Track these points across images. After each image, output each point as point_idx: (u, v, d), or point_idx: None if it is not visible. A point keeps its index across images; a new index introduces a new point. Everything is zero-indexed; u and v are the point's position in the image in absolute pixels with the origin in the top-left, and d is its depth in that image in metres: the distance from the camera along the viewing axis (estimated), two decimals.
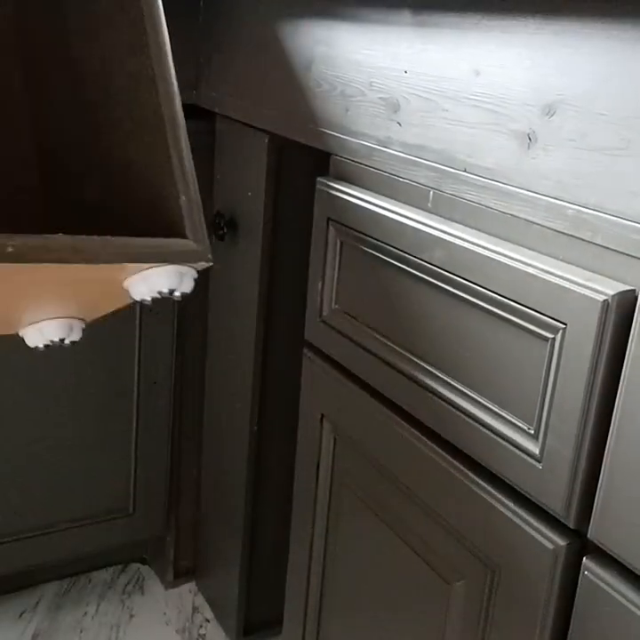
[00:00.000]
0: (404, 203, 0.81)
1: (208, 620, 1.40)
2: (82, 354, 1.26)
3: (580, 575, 0.64)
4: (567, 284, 0.62)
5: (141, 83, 0.49)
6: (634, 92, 0.58)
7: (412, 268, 0.78)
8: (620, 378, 0.59)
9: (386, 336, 0.84)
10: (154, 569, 1.51)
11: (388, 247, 0.81)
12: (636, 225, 0.59)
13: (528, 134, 0.67)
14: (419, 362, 0.79)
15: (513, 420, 0.69)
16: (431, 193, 0.78)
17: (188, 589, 1.47)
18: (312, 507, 0.99)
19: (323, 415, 0.96)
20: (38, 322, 0.57)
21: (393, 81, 0.81)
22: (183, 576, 1.48)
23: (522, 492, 0.69)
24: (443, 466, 0.77)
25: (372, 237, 0.83)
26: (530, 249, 0.68)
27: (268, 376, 1.19)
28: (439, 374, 0.76)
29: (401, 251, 0.79)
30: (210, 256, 0.53)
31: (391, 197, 0.83)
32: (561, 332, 0.63)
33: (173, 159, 0.50)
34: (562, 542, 0.65)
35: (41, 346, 0.59)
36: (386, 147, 0.83)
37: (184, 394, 1.36)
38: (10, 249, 0.42)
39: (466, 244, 0.71)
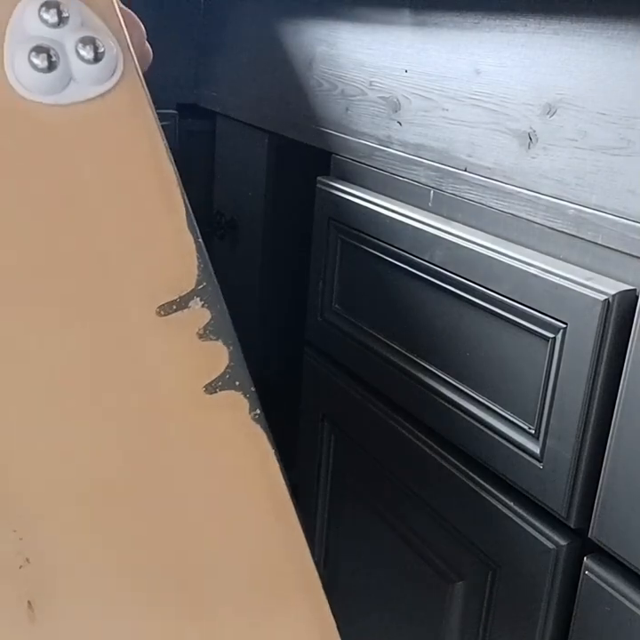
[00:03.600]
0: (405, 202, 0.81)
1: None
2: None
3: (581, 575, 0.64)
4: (568, 284, 0.62)
5: None
6: (634, 92, 0.58)
7: (412, 267, 0.78)
8: (620, 377, 0.59)
9: (386, 336, 0.84)
10: None
11: (388, 247, 0.81)
12: (637, 224, 0.58)
13: (528, 134, 0.67)
14: (419, 361, 0.79)
15: (514, 420, 0.69)
16: (432, 192, 0.78)
17: None
18: (312, 506, 0.99)
19: (323, 415, 0.96)
20: None
21: (393, 80, 0.81)
22: None
23: (522, 491, 0.68)
24: (443, 465, 0.77)
25: (372, 237, 0.83)
26: (530, 248, 0.68)
27: (269, 376, 1.19)
28: (440, 374, 0.76)
29: (401, 250, 0.79)
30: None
31: (392, 197, 0.83)
32: (562, 331, 0.62)
33: None
34: (563, 542, 0.65)
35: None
36: (386, 146, 0.83)
37: None
38: None
39: (466, 244, 0.71)
